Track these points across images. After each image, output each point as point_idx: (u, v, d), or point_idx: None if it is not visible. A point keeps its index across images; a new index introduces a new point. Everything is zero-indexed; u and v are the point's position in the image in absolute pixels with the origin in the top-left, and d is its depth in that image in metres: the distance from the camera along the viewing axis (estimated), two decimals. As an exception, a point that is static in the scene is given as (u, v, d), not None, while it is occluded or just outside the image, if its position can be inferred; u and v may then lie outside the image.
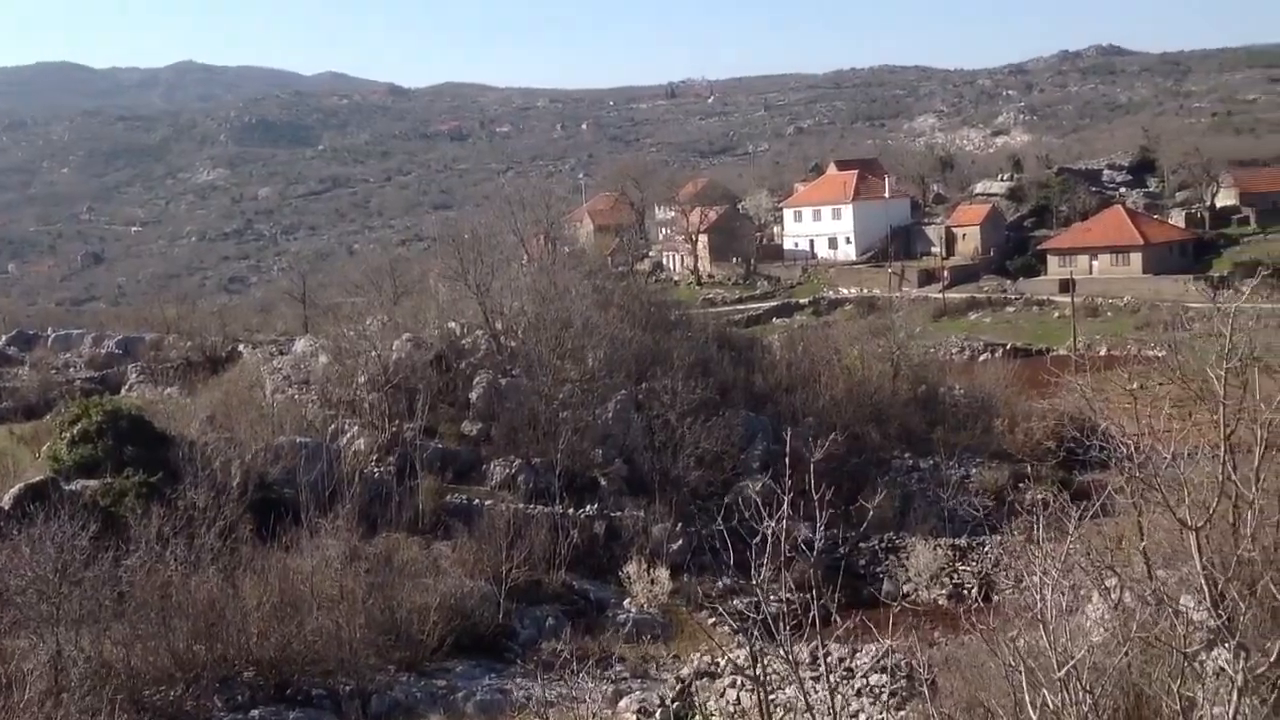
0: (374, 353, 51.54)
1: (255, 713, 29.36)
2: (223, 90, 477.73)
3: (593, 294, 58.92)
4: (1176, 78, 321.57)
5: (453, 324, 56.76)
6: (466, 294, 57.59)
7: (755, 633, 11.67)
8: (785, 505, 11.29)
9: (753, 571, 11.86)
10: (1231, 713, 9.66)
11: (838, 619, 18.64)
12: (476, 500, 44.15)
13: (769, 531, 11.22)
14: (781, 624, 12.75)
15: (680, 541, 43.59)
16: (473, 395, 50.34)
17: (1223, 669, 17.25)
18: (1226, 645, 10.89)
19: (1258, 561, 14.22)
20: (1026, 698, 11.06)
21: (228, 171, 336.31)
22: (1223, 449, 11.31)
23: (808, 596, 12.77)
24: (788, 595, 13.19)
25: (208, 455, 40.09)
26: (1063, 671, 10.95)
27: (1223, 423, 11.18)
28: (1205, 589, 10.47)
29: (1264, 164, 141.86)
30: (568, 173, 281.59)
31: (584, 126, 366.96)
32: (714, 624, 37.02)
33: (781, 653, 12.60)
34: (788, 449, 18.70)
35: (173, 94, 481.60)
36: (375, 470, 44.43)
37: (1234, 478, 12.51)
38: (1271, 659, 9.86)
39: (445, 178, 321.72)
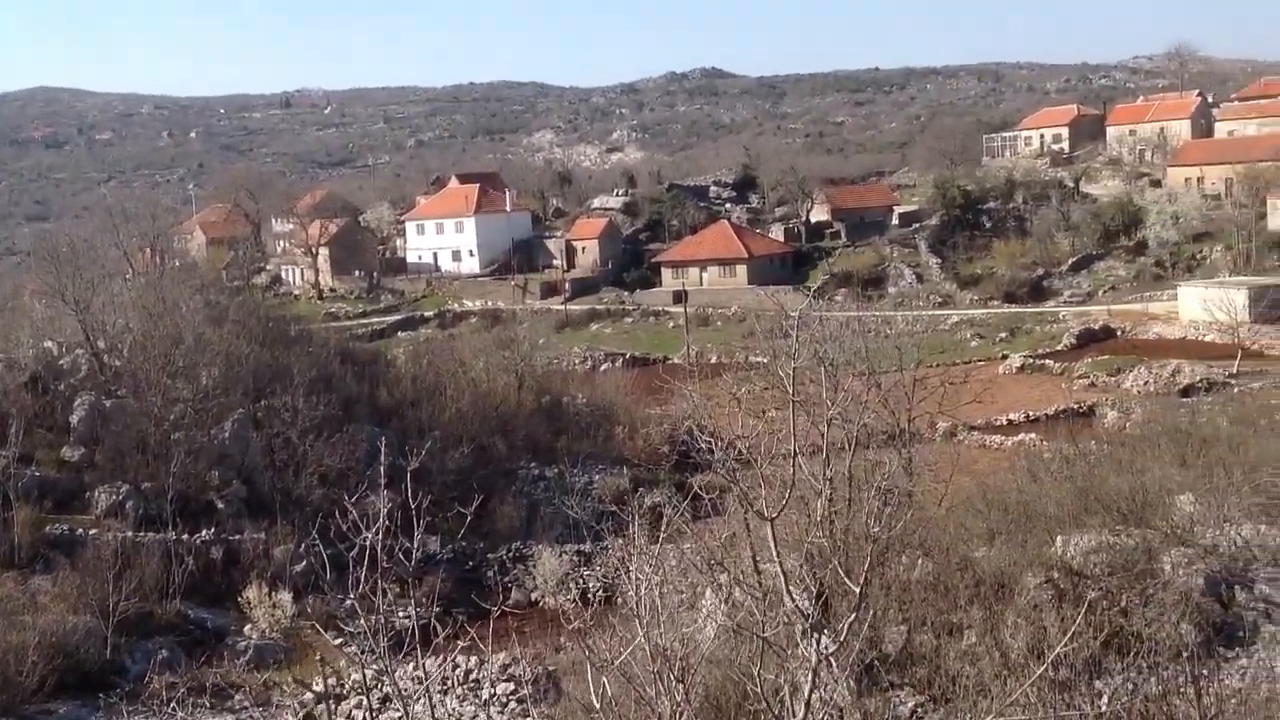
0: (-42, 376, 47.39)
1: None
2: None
3: (205, 309, 56.67)
4: (774, 100, 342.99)
5: (49, 343, 53.17)
6: (65, 311, 54.11)
7: (380, 650, 11.55)
8: (383, 518, 11.24)
9: (359, 587, 11.72)
10: (807, 692, 10.38)
11: (467, 630, 18.68)
12: (80, 530, 41.39)
13: (368, 545, 11.15)
14: (410, 639, 12.70)
15: (304, 562, 42.41)
16: (73, 419, 47.19)
17: (824, 654, 18.57)
18: (825, 631, 11.73)
19: (840, 549, 15.41)
20: (648, 693, 11.49)
21: None
22: (793, 444, 12.13)
23: (436, 609, 12.79)
24: (417, 610, 13.12)
25: None
26: (678, 667, 11.45)
27: (793, 419, 12.02)
28: (781, 577, 11.23)
29: (851, 182, 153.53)
30: (176, 183, 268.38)
31: (193, 135, 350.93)
32: (340, 644, 36.28)
33: (410, 669, 12.55)
34: (414, 463, 18.54)
35: None
36: (-38, 504, 40.79)
37: (828, 474, 13.46)
38: (841, 639, 10.68)
39: (40, 187, 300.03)
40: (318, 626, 36.36)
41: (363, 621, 11.84)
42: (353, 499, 12.67)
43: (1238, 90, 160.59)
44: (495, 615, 13.70)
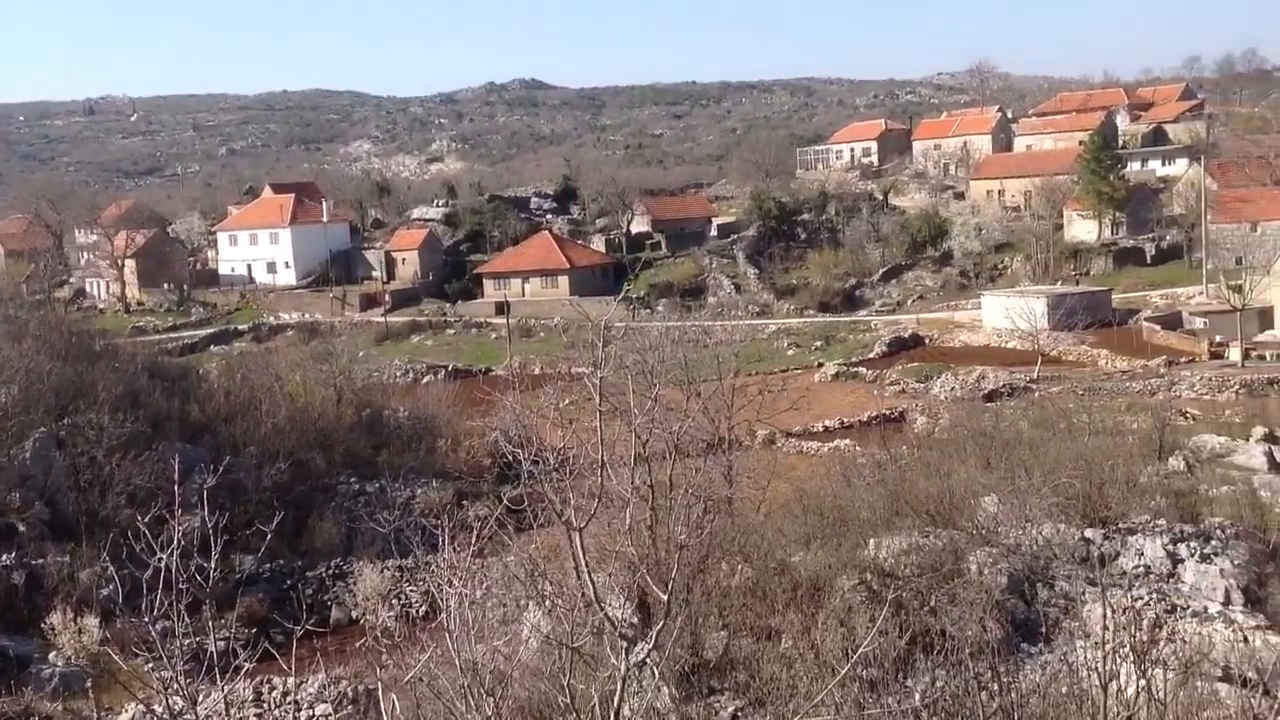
0: None
1: None
2: None
3: (4, 324, 54.20)
4: (593, 112, 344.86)
5: None
6: None
7: (175, 674, 11.23)
8: (178, 538, 10.96)
9: (153, 611, 11.38)
10: (616, 701, 10.50)
11: (283, 651, 18.33)
12: None
13: (161, 565, 10.85)
14: (229, 659, 12.41)
15: (112, 585, 40.85)
16: None
17: (644, 661, 18.77)
18: (643, 639, 11.86)
19: (658, 557, 15.61)
20: (458, 708, 11.47)
21: None
22: (600, 453, 12.27)
23: (252, 630, 12.53)
24: (231, 631, 12.81)
25: None
26: (488, 681, 11.46)
27: (600, 428, 12.15)
28: (591, 587, 11.33)
29: (671, 193, 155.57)
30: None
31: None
32: (151, 668, 35.06)
33: (223, 692, 12.23)
34: (210, 480, 18.06)
35: None
36: None
37: (635, 483, 13.60)
38: (650, 647, 10.83)
39: None
40: (112, 652, 35.02)
41: (171, 645, 11.48)
42: (160, 519, 12.28)
43: (1035, 106, 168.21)
44: (298, 634, 13.42)
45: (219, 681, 11.26)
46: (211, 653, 11.10)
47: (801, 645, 18.44)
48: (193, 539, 11.35)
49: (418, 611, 38.48)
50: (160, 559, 10.76)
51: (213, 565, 11.30)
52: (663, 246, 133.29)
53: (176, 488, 12.23)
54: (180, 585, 10.81)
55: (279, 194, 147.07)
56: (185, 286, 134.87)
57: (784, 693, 16.14)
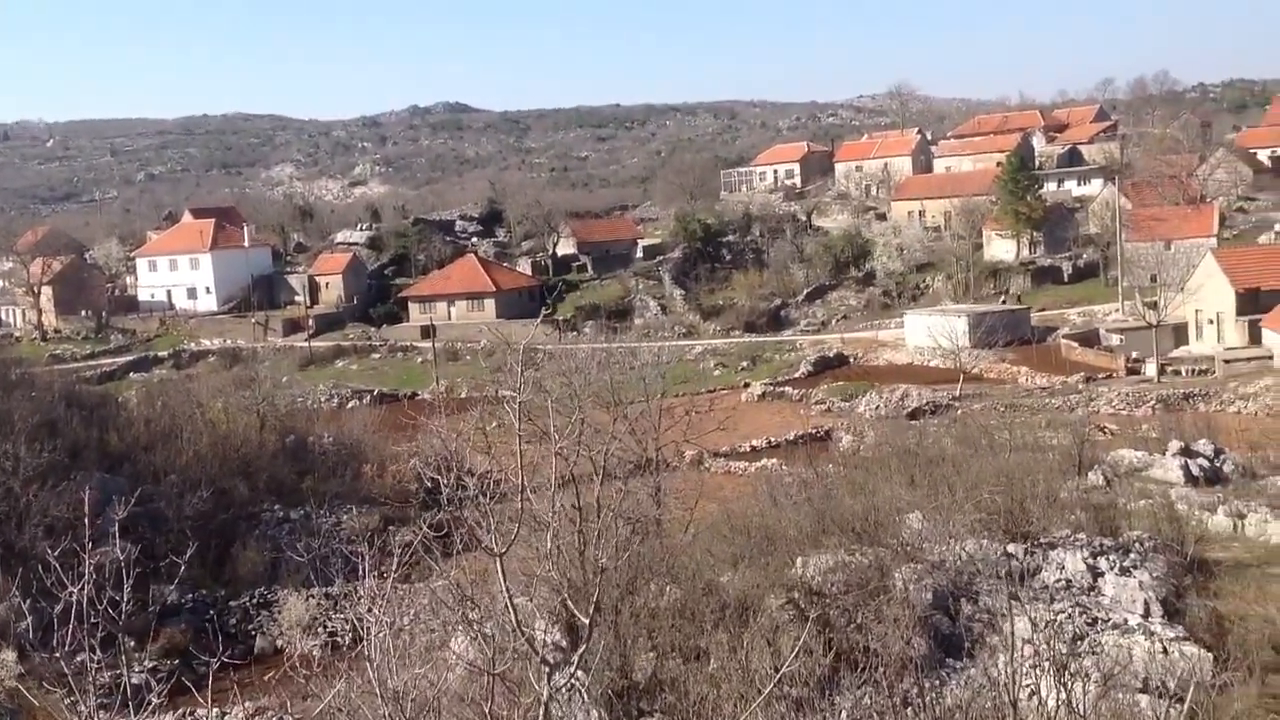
0: None
1: None
2: None
3: (-86, 354, 52.87)
4: (518, 135, 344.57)
5: None
6: None
7: (89, 709, 11.02)
8: (89, 570, 10.76)
9: (63, 646, 11.17)
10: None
11: (203, 684, 18.04)
12: None
13: (74, 599, 10.65)
14: (146, 693, 12.20)
15: (30, 619, 39.93)
16: None
17: (573, 684, 18.71)
18: (567, 664, 11.85)
19: (584, 581, 15.57)
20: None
21: None
22: (520, 478, 12.24)
23: (174, 662, 12.32)
24: (146, 664, 12.60)
25: None
26: (409, 708, 11.38)
27: (519, 452, 12.14)
28: (512, 612, 11.29)
29: (597, 216, 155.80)
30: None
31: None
32: (72, 703, 34.31)
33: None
34: (123, 512, 17.75)
35: None
36: None
37: (555, 507, 13.58)
38: (573, 672, 10.83)
39: None
40: (24, 689, 34.31)
41: (85, 680, 11.25)
42: (74, 550, 12.01)
43: (954, 128, 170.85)
44: (215, 666, 13.12)
45: (134, 716, 11.06)
46: (126, 687, 10.90)
47: (729, 665, 18.49)
48: (109, 571, 11.13)
49: (344, 640, 38.06)
50: (72, 592, 10.54)
51: (125, 597, 11.09)
52: (589, 269, 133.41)
53: (87, 519, 11.95)
54: (94, 619, 10.59)
55: (199, 219, 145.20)
56: (104, 313, 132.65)
57: (711, 713, 16.16)
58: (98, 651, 10.89)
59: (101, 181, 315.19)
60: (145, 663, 28.49)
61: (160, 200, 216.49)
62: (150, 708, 11.73)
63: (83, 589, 10.50)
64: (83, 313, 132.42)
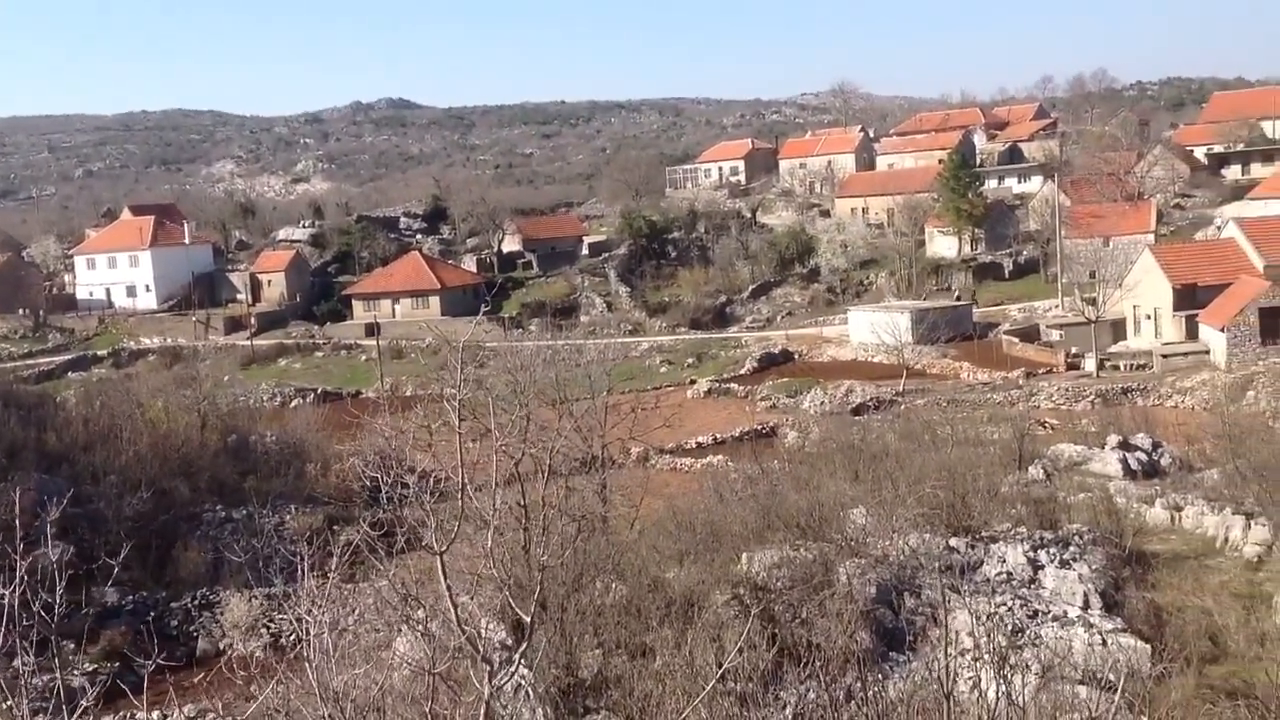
0: None
1: None
2: None
3: None
4: (462, 131, 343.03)
5: None
6: None
7: (21, 713, 10.87)
8: (20, 572, 10.61)
9: None
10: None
11: (146, 684, 17.88)
12: None
13: (4, 602, 10.48)
14: (80, 697, 12.04)
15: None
16: None
17: (519, 683, 18.69)
18: (510, 663, 11.83)
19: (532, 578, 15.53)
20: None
21: None
22: (460, 475, 12.18)
23: (114, 665, 12.17)
24: (84, 667, 12.44)
25: None
26: (349, 709, 11.32)
27: (459, 450, 12.09)
28: (452, 611, 11.25)
29: (542, 213, 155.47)
30: None
31: None
32: (6, 707, 33.79)
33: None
34: (54, 514, 17.50)
35: None
36: None
37: (497, 505, 13.55)
38: (515, 670, 10.82)
39: None
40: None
41: (17, 683, 11.09)
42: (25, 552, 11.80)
43: (896, 125, 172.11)
44: (150, 669, 12.96)
45: (100, 713, 10.92)
46: (60, 690, 10.74)
47: (674, 661, 18.54)
48: (42, 573, 10.95)
49: (288, 640, 37.76)
50: (3, 595, 10.37)
51: (59, 600, 10.92)
52: (534, 266, 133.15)
53: (18, 521, 11.76)
54: (27, 622, 10.43)
55: (138, 216, 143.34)
56: (41, 312, 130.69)
57: (656, 710, 16.19)
58: (31, 655, 10.71)
59: (39, 178, 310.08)
60: (84, 666, 28.14)
61: (99, 197, 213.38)
62: (83, 711, 11.55)
63: (14, 591, 10.33)
64: (20, 311, 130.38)
